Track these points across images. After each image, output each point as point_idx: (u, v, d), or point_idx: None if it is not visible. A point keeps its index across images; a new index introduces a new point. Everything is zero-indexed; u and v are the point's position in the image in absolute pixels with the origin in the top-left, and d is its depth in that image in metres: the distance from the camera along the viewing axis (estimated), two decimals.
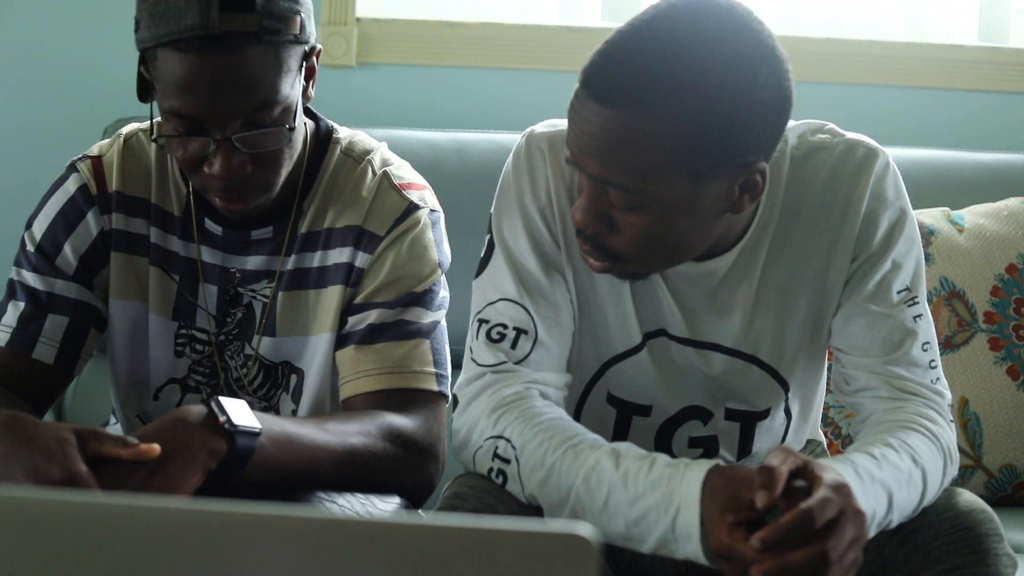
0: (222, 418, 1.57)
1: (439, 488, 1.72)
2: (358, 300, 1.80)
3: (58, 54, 2.76)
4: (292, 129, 1.70)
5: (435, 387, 1.79)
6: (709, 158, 1.55)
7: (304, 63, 1.71)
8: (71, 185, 1.84)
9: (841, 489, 1.46)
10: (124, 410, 1.90)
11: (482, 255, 1.75)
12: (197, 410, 1.58)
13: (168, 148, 1.71)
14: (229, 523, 0.94)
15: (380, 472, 1.70)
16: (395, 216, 1.81)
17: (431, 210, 1.84)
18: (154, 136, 1.72)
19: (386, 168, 1.84)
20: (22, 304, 1.81)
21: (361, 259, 1.80)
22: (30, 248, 1.83)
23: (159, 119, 1.72)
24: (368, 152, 1.85)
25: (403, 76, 2.81)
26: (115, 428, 1.98)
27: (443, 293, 1.84)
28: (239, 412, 1.58)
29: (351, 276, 1.81)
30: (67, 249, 1.82)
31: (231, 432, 1.57)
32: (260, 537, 0.93)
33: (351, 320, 1.80)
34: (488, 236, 1.75)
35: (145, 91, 1.74)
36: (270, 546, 0.93)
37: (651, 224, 1.58)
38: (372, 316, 1.79)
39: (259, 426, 1.59)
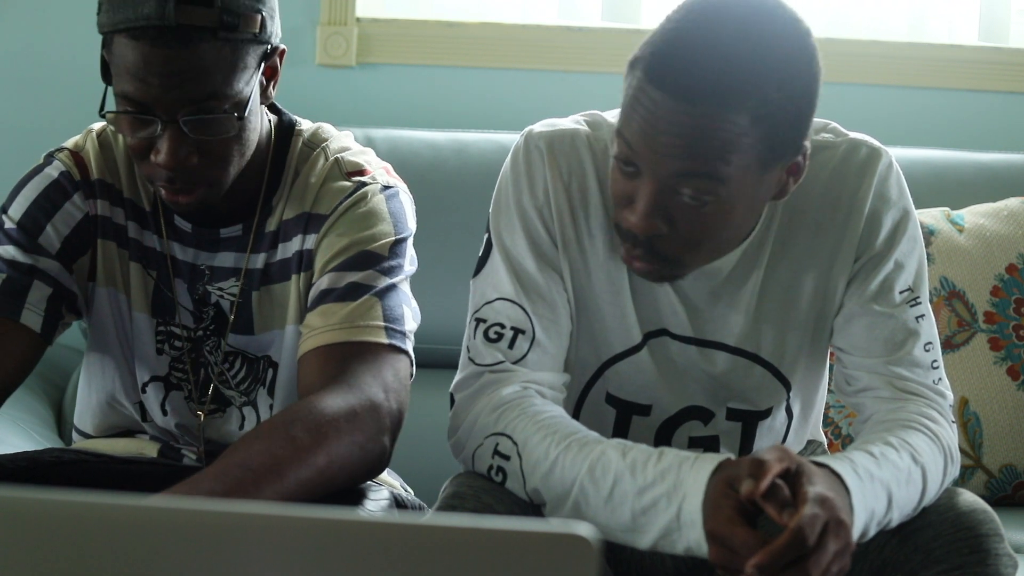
0: None
1: (440, 488, 1.70)
2: (314, 278, 1.77)
3: (58, 54, 2.76)
4: (240, 119, 1.68)
5: (384, 339, 1.72)
6: (779, 148, 1.56)
7: (264, 62, 1.71)
8: (53, 171, 1.81)
9: (825, 502, 1.46)
10: (119, 400, 1.89)
11: (480, 254, 1.75)
12: None
13: (118, 128, 1.69)
14: (229, 523, 0.94)
15: (326, 473, 1.61)
16: (341, 196, 1.79)
17: (384, 186, 1.81)
18: (102, 111, 1.69)
19: (339, 155, 1.82)
20: (3, 275, 1.77)
21: (309, 241, 1.78)
22: (9, 226, 1.79)
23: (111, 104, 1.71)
24: (325, 140, 1.83)
25: (403, 76, 2.81)
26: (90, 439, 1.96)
27: (406, 265, 1.79)
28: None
29: (303, 262, 1.79)
30: (49, 230, 1.79)
31: None
32: (260, 537, 0.93)
33: (309, 295, 1.77)
34: (486, 235, 1.75)
35: (107, 73, 1.74)
36: (270, 546, 0.93)
37: (714, 216, 1.58)
38: (324, 282, 1.75)
39: None
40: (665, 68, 1.54)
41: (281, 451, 1.58)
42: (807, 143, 1.61)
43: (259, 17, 1.67)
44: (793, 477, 1.49)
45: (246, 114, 1.68)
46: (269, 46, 1.70)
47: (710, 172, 1.55)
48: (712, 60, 1.52)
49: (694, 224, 1.59)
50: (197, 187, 1.70)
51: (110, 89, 1.71)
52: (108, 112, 1.68)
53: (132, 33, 1.62)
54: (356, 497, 1.71)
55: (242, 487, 1.54)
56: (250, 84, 1.68)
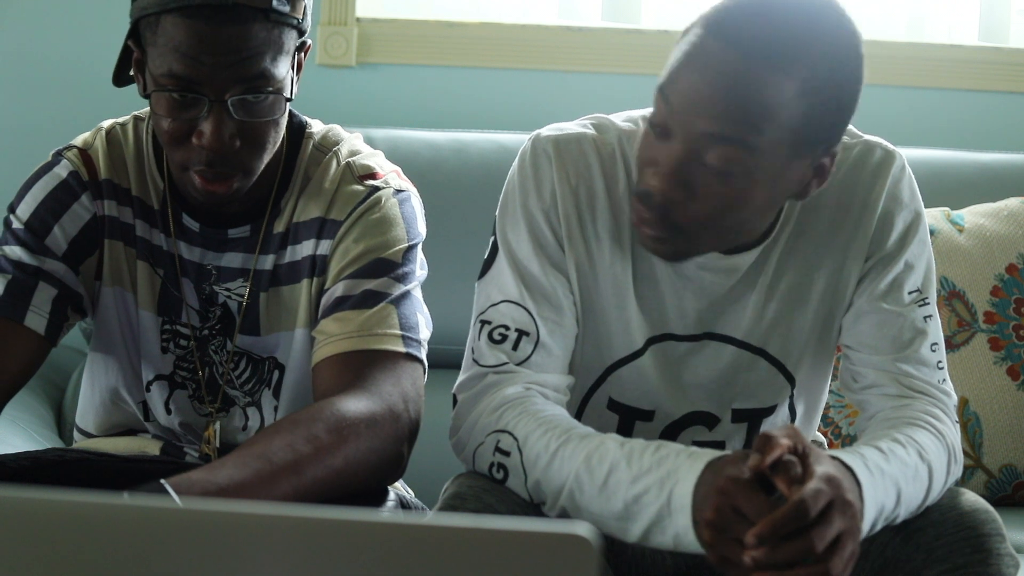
0: None
1: (441, 489, 1.70)
2: (327, 284, 1.77)
3: (58, 54, 2.76)
4: (289, 100, 1.70)
5: (401, 348, 1.73)
6: (813, 134, 1.57)
7: (296, 54, 1.72)
8: (61, 171, 1.80)
9: (831, 481, 1.47)
10: (122, 398, 1.89)
11: (486, 256, 1.75)
12: None
13: (159, 110, 1.68)
14: (229, 523, 0.94)
15: (343, 475, 1.61)
16: (356, 201, 1.79)
17: (396, 190, 1.81)
18: (145, 91, 1.69)
19: (351, 159, 1.82)
20: (9, 276, 1.76)
21: (323, 247, 1.79)
22: (17, 226, 1.79)
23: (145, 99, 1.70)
24: (336, 143, 1.84)
25: (403, 76, 2.81)
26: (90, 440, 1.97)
27: (417, 270, 1.80)
28: (151, 493, 1.48)
29: (316, 267, 1.79)
30: (57, 231, 1.78)
31: None
32: (260, 537, 0.93)
33: (322, 301, 1.78)
34: (492, 238, 1.75)
35: (121, 72, 1.73)
36: (270, 546, 0.93)
37: (734, 193, 1.58)
38: (339, 289, 1.76)
39: (176, 501, 1.46)
40: (725, 17, 1.55)
41: (303, 448, 1.58)
42: (838, 147, 1.62)
43: (303, 5, 1.69)
44: (801, 458, 1.49)
45: (287, 102, 1.70)
46: (301, 39, 1.72)
47: (741, 139, 1.54)
48: (773, 19, 1.54)
49: (713, 197, 1.58)
50: (233, 174, 1.70)
51: (128, 75, 1.71)
52: (153, 90, 1.68)
53: (186, 12, 1.63)
54: (378, 499, 1.70)
55: (259, 478, 1.54)
56: (290, 71, 1.70)
